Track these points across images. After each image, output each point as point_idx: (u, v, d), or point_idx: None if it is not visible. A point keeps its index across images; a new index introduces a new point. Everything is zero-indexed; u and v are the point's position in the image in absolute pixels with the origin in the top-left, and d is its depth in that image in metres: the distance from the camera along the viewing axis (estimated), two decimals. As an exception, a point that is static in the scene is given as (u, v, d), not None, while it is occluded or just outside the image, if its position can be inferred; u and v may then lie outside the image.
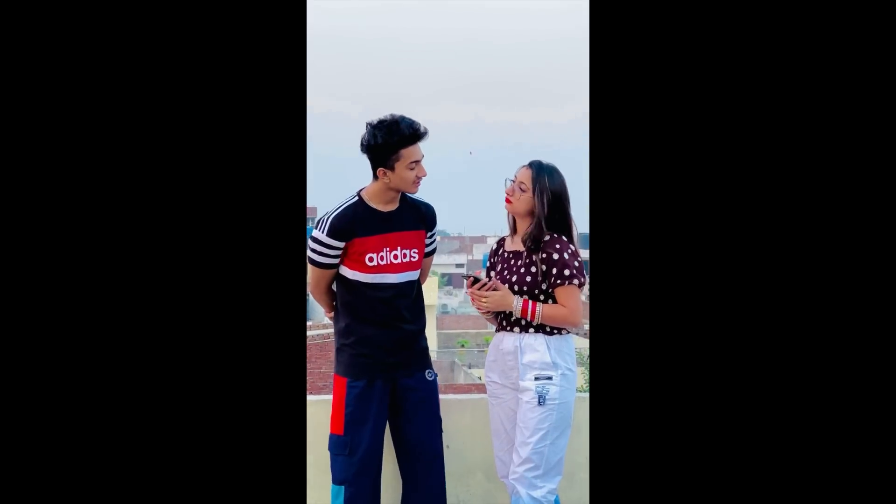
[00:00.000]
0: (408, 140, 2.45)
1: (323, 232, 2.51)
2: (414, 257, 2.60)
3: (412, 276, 2.60)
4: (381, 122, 2.46)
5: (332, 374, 2.64)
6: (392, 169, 2.47)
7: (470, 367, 22.07)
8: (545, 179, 2.50)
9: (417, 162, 2.48)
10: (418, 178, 2.51)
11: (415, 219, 2.62)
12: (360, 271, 2.53)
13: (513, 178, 2.56)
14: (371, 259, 2.52)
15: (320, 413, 2.68)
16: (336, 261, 2.54)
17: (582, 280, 2.48)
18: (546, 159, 2.56)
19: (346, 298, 2.58)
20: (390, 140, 2.44)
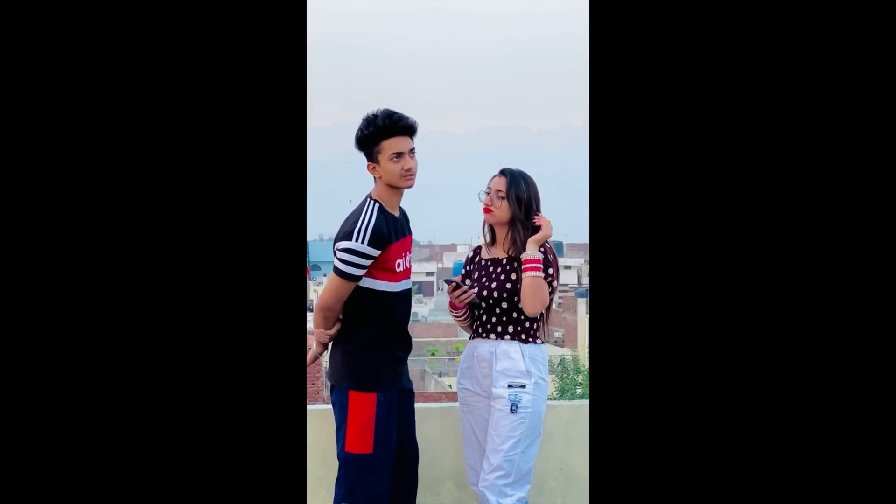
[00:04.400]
0: (385, 131, 2.42)
1: (363, 242, 2.38)
2: (410, 263, 2.59)
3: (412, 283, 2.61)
4: (366, 116, 2.46)
5: (345, 391, 2.47)
6: (378, 162, 2.45)
7: (440, 376, 22.06)
8: (520, 184, 2.54)
9: (400, 154, 2.42)
10: (405, 171, 2.44)
11: (407, 222, 2.61)
12: (389, 280, 2.47)
13: (486, 189, 2.57)
14: (399, 265, 2.49)
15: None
16: (364, 272, 2.44)
17: (552, 282, 2.50)
18: (525, 166, 2.60)
19: (370, 313, 2.48)
20: (369, 131, 2.43)
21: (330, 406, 2.70)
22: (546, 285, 2.47)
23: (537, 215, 2.53)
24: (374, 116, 2.44)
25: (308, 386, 14.74)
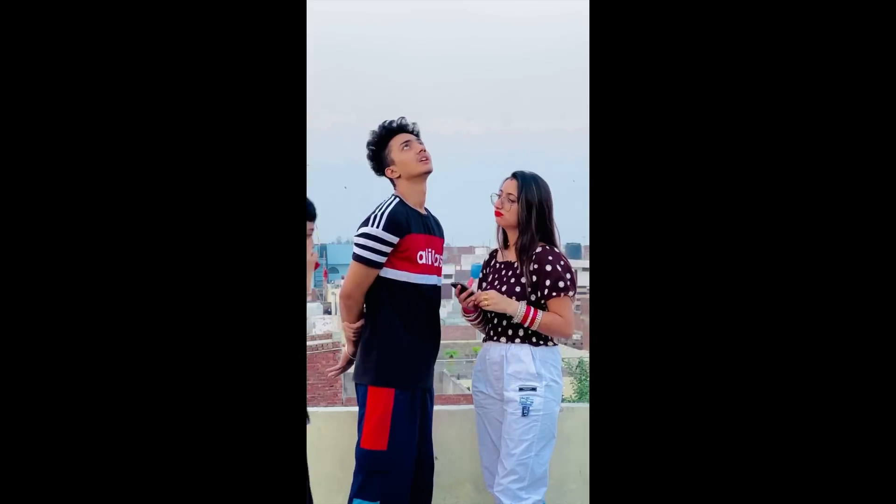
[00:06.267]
0: (387, 133, 2.58)
1: (378, 227, 2.45)
2: (441, 264, 2.63)
3: (440, 282, 2.63)
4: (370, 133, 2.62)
5: (362, 385, 2.50)
6: (393, 162, 2.56)
7: (459, 378, 22.06)
8: (532, 188, 2.52)
9: (408, 142, 2.55)
10: (420, 155, 2.54)
11: (438, 226, 2.67)
12: (410, 271, 2.49)
13: (498, 191, 2.58)
14: (421, 257, 2.52)
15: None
16: (384, 259, 2.47)
17: (574, 292, 2.50)
18: (537, 169, 2.60)
19: (392, 305, 2.50)
20: (375, 142, 2.59)
21: (347, 409, 2.71)
22: (556, 316, 2.48)
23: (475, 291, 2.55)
24: (374, 130, 2.61)
25: (327, 388, 14.82)
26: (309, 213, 2.22)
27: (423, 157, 2.54)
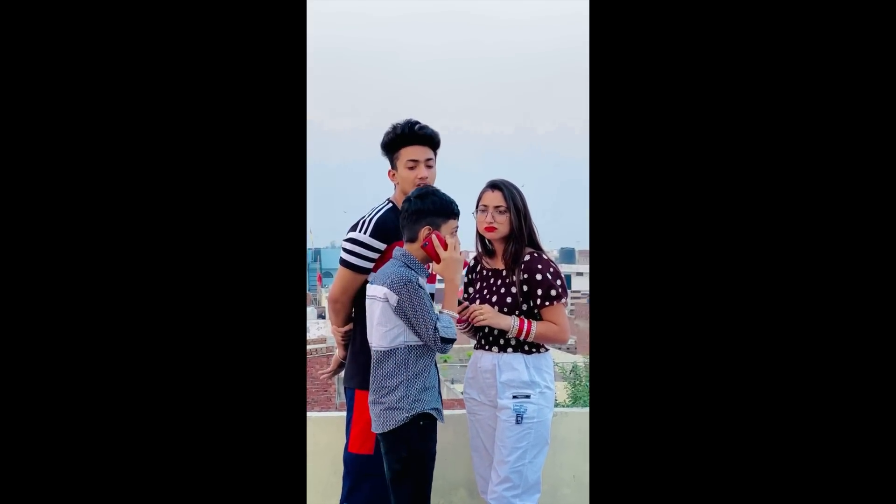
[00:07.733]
0: (403, 139, 2.51)
1: (365, 232, 2.46)
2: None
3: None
4: (392, 124, 2.55)
5: (338, 389, 2.54)
6: (396, 168, 2.54)
7: (452, 383, 22.00)
8: (516, 195, 2.50)
9: (416, 162, 2.50)
10: (419, 179, 2.49)
11: None
12: None
13: (479, 206, 2.52)
14: None
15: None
16: (371, 265, 2.47)
17: (566, 298, 2.49)
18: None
19: None
20: (390, 138, 2.53)
21: (341, 413, 2.70)
22: (551, 325, 2.47)
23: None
24: (397, 125, 2.53)
25: (321, 392, 14.77)
26: (452, 211, 2.29)
27: (421, 184, 2.50)
